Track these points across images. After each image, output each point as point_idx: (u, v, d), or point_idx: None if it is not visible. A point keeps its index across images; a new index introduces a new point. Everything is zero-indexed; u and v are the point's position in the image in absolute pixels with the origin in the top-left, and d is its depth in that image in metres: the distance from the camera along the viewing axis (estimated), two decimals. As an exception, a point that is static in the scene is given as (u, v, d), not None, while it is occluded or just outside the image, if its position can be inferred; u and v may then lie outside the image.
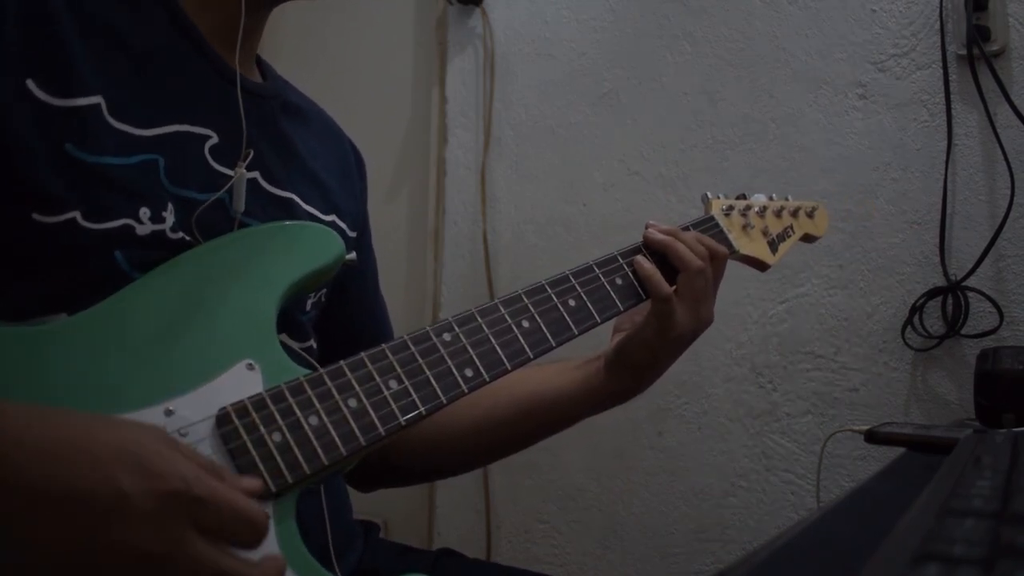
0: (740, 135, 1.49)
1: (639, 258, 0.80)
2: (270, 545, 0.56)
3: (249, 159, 0.71)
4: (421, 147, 1.86)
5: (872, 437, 0.83)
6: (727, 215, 0.91)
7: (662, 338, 0.80)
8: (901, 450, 0.79)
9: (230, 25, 0.73)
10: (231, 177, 0.70)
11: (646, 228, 0.83)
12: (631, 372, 0.84)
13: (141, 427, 0.50)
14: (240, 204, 0.70)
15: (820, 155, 1.42)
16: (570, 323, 0.75)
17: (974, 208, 1.29)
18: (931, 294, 1.30)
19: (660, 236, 0.81)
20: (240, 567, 0.48)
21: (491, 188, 1.74)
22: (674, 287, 0.79)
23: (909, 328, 1.32)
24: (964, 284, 1.28)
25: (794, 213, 0.97)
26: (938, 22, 1.32)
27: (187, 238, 0.66)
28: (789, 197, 0.99)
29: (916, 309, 1.31)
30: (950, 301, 1.29)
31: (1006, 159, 1.25)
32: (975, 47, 1.25)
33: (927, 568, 0.30)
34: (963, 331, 1.27)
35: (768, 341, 1.44)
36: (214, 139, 0.70)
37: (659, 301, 0.79)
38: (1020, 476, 0.49)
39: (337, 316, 0.86)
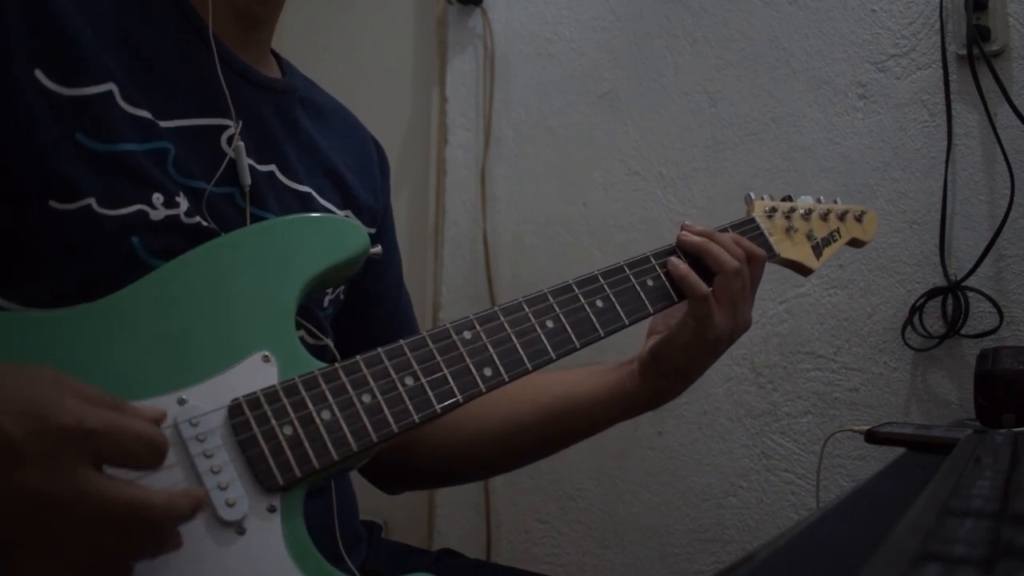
0: (740, 135, 1.49)
1: (673, 259, 0.78)
2: (276, 541, 0.56)
3: (239, 128, 0.71)
4: (421, 147, 1.86)
5: (872, 437, 0.83)
6: (770, 217, 0.89)
7: (699, 341, 0.78)
8: (901, 450, 0.79)
9: (238, 17, 0.74)
10: (248, 166, 0.70)
11: (681, 230, 0.81)
12: (667, 376, 0.83)
13: (24, 369, 0.48)
14: (245, 178, 0.69)
15: (820, 155, 1.42)
16: (596, 324, 0.73)
17: (974, 208, 1.29)
18: (931, 294, 1.30)
19: (695, 238, 0.79)
20: (145, 495, 0.46)
21: (491, 188, 1.74)
22: (711, 290, 0.78)
23: (909, 328, 1.32)
24: (964, 284, 1.28)
25: (841, 216, 0.95)
26: (938, 22, 1.32)
27: (203, 223, 0.66)
28: (838, 200, 0.97)
29: (916, 309, 1.31)
30: (950, 301, 1.29)
31: (1006, 159, 1.25)
32: (975, 47, 1.25)
33: (927, 568, 0.30)
34: (963, 331, 1.27)
35: (768, 341, 1.44)
36: (231, 129, 0.70)
37: (696, 301, 0.77)
38: (1020, 476, 0.49)
39: (357, 314, 0.85)
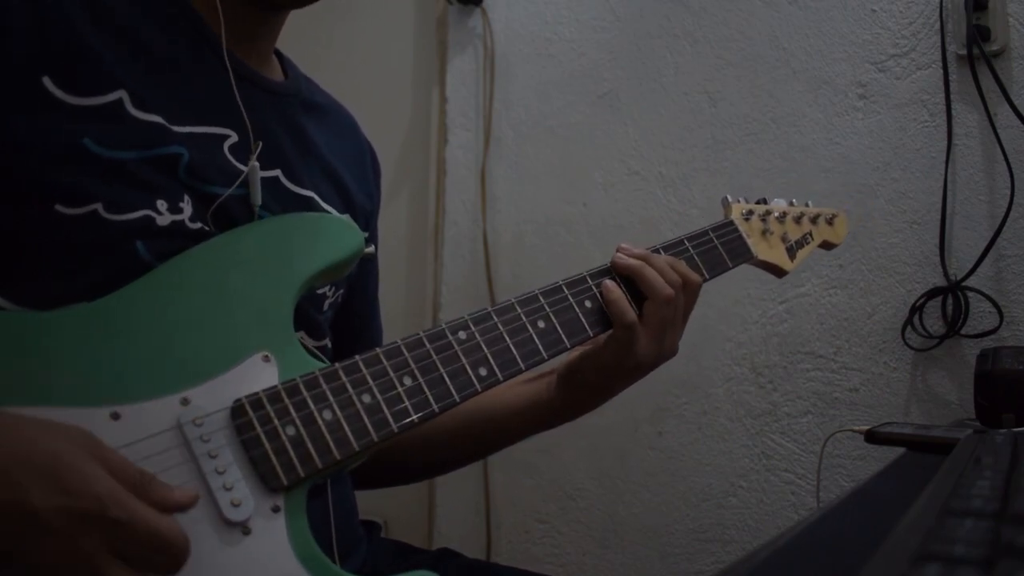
0: (740, 135, 1.49)
1: (608, 282, 0.77)
2: (281, 540, 0.56)
3: (259, 150, 0.71)
4: (421, 147, 1.86)
5: (872, 437, 0.83)
6: (747, 220, 0.91)
7: (619, 364, 0.77)
8: (901, 450, 0.79)
9: (243, 24, 0.74)
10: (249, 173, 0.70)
11: (616, 251, 0.79)
12: (582, 391, 0.82)
13: (64, 433, 0.47)
14: (256, 198, 0.70)
15: (820, 155, 1.42)
16: (585, 325, 0.75)
17: (974, 208, 1.29)
18: (931, 294, 1.30)
19: (630, 261, 0.77)
20: None
21: (491, 188, 1.74)
22: (638, 316, 0.76)
23: (909, 328, 1.32)
24: (964, 284, 1.28)
25: (813, 220, 0.97)
26: (938, 22, 1.32)
27: (206, 228, 0.66)
28: (809, 203, 0.99)
29: (916, 309, 1.31)
30: (950, 301, 1.29)
31: (1006, 159, 1.25)
32: (975, 47, 1.25)
33: (927, 568, 0.30)
34: (963, 331, 1.27)
35: (768, 341, 1.44)
36: (233, 138, 0.70)
37: (621, 328, 0.75)
38: (1020, 476, 0.49)
39: (334, 324, 0.85)
